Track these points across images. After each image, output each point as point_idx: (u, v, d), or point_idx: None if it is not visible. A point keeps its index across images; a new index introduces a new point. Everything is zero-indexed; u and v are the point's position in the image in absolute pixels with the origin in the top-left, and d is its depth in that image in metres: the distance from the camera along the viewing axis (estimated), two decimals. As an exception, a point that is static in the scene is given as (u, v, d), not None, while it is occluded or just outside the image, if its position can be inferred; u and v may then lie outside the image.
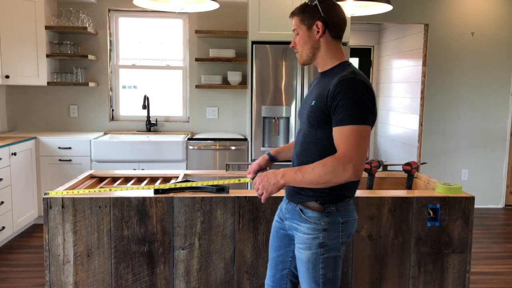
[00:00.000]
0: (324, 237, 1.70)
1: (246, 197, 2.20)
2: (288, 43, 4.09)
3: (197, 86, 4.63)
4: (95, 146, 4.19)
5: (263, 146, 4.17)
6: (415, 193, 2.32)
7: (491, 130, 5.14)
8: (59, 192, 2.19)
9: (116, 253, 2.20)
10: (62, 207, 2.15)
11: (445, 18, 4.97)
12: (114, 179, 2.70)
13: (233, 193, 2.24)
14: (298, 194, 1.75)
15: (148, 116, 4.75)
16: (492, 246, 3.99)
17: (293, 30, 1.79)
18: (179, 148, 4.26)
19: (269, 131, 4.18)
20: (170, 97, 4.98)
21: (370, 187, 2.58)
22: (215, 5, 2.64)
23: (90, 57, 4.51)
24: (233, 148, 4.34)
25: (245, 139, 4.39)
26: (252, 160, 4.18)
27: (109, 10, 4.72)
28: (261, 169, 2.05)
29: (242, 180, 2.11)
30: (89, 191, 2.20)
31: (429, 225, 2.24)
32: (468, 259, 2.28)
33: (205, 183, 2.27)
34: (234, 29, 4.71)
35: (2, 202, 3.65)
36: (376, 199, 2.23)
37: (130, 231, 2.19)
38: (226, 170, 2.85)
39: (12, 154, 3.78)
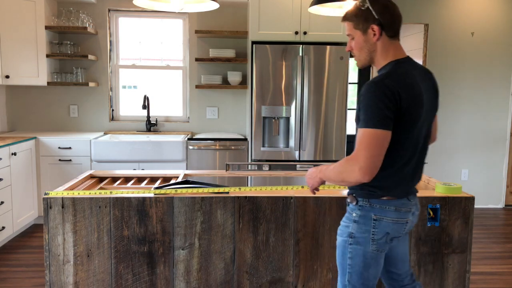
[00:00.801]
0: (354, 228, 1.76)
1: (246, 197, 2.20)
2: (288, 43, 4.09)
3: (197, 86, 4.63)
4: (95, 146, 4.19)
5: (263, 146, 4.17)
6: (415, 193, 2.31)
7: (491, 130, 5.14)
8: (59, 192, 2.19)
9: (116, 253, 2.20)
10: (62, 207, 2.15)
11: (445, 18, 4.97)
12: (114, 179, 2.70)
13: (233, 193, 2.24)
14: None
15: (148, 116, 4.75)
16: (492, 246, 3.99)
17: (348, 35, 1.77)
18: (179, 148, 4.26)
19: (269, 131, 4.17)
20: (170, 97, 4.98)
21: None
22: (215, 5, 2.63)
23: (90, 57, 4.50)
24: (233, 148, 4.34)
25: (245, 139, 4.39)
26: (252, 160, 4.18)
27: (109, 10, 4.72)
28: None
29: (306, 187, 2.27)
30: (90, 193, 2.20)
31: (429, 225, 2.24)
32: (468, 259, 2.28)
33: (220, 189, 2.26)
34: (234, 29, 4.71)
35: (2, 202, 3.65)
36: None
37: (130, 231, 2.19)
38: (226, 170, 2.85)
39: (12, 154, 3.78)
